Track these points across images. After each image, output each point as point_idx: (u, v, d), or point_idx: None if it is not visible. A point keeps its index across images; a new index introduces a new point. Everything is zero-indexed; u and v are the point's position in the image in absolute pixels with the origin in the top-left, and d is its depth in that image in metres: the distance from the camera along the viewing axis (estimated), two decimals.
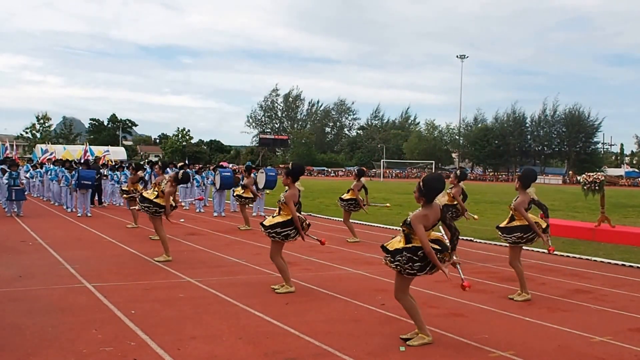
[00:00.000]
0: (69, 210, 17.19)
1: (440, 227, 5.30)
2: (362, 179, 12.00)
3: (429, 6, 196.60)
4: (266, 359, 4.61)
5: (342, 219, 15.99)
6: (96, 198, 19.22)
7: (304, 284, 7.51)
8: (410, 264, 4.93)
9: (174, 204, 9.23)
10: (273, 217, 7.06)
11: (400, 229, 5.13)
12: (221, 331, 5.31)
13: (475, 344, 5.12)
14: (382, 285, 7.62)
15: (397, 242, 5.09)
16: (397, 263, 4.97)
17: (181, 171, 9.64)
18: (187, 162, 26.63)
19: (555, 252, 10.63)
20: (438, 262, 4.93)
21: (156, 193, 9.19)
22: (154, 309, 6.06)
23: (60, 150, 44.80)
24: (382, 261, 5.20)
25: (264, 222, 7.12)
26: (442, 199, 9.55)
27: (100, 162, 29.12)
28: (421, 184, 5.10)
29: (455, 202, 10.04)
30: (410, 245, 5.00)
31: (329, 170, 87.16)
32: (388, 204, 14.04)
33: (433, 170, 78.51)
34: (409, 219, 5.01)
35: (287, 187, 7.07)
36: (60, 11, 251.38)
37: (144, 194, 9.33)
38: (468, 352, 4.93)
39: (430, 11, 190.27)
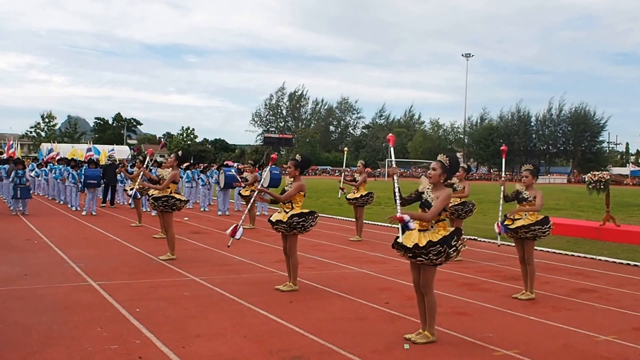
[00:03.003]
0: (73, 208, 17.25)
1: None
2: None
3: (435, 4, 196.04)
4: (271, 357, 4.62)
5: (344, 218, 16.07)
6: (109, 198, 19.21)
7: (308, 282, 7.52)
8: (457, 246, 4.96)
9: (184, 198, 9.38)
10: (286, 212, 6.88)
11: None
12: (226, 329, 5.32)
13: (480, 343, 5.12)
14: (386, 283, 7.62)
15: (431, 234, 4.95)
16: (454, 249, 4.91)
17: (180, 151, 9.75)
18: (192, 160, 26.69)
19: (559, 251, 10.64)
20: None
21: (169, 190, 9.16)
22: (159, 307, 6.08)
23: (67, 149, 44.92)
24: (423, 260, 4.92)
25: (272, 219, 6.99)
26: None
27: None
28: (447, 159, 5.06)
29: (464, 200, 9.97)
30: (452, 230, 5.02)
31: (334, 169, 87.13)
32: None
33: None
34: (431, 200, 4.98)
35: (292, 180, 6.94)
36: (65, 10, 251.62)
37: (154, 196, 9.27)
38: (472, 350, 4.93)
39: (436, 9, 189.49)
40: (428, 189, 5.12)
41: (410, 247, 4.94)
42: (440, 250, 4.88)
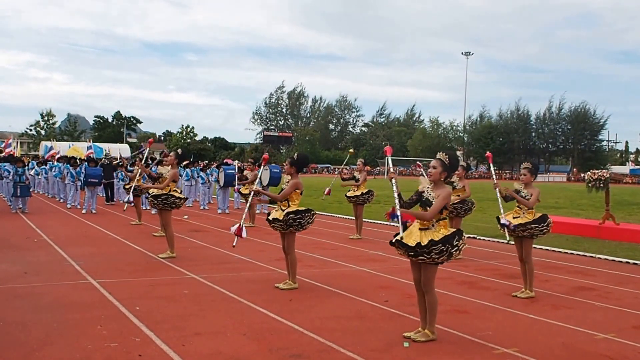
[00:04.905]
0: (69, 205, 17.22)
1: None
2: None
3: (435, 3, 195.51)
4: (270, 355, 4.63)
5: (344, 216, 16.07)
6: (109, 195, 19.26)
7: (308, 280, 7.52)
8: (459, 246, 4.98)
9: (183, 196, 9.29)
10: (282, 210, 6.89)
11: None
12: (225, 327, 5.32)
13: (479, 341, 5.12)
14: (385, 282, 7.63)
15: (432, 232, 4.94)
16: (456, 248, 4.92)
17: (179, 149, 9.71)
18: (192, 159, 26.70)
19: (558, 250, 10.66)
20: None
21: (168, 188, 9.15)
22: (159, 305, 6.08)
23: (65, 147, 44.96)
24: (425, 259, 4.90)
25: (270, 217, 7.01)
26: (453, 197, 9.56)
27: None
28: (446, 158, 5.07)
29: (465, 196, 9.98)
30: (453, 229, 5.05)
31: (334, 167, 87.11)
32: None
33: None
34: (432, 198, 4.98)
35: (289, 177, 6.98)
36: (66, 8, 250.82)
37: (153, 194, 9.27)
38: (472, 348, 4.94)
39: (436, 8, 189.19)
40: (428, 187, 5.12)
41: (412, 245, 4.92)
42: (443, 249, 4.87)
